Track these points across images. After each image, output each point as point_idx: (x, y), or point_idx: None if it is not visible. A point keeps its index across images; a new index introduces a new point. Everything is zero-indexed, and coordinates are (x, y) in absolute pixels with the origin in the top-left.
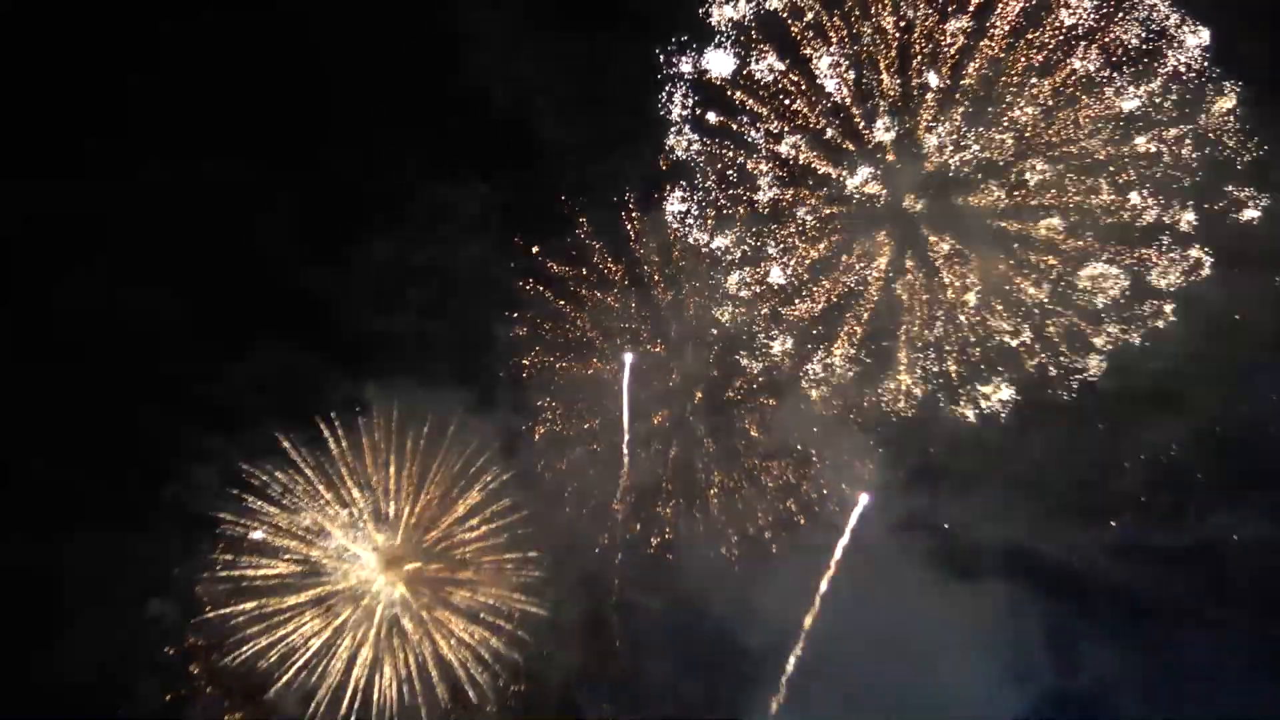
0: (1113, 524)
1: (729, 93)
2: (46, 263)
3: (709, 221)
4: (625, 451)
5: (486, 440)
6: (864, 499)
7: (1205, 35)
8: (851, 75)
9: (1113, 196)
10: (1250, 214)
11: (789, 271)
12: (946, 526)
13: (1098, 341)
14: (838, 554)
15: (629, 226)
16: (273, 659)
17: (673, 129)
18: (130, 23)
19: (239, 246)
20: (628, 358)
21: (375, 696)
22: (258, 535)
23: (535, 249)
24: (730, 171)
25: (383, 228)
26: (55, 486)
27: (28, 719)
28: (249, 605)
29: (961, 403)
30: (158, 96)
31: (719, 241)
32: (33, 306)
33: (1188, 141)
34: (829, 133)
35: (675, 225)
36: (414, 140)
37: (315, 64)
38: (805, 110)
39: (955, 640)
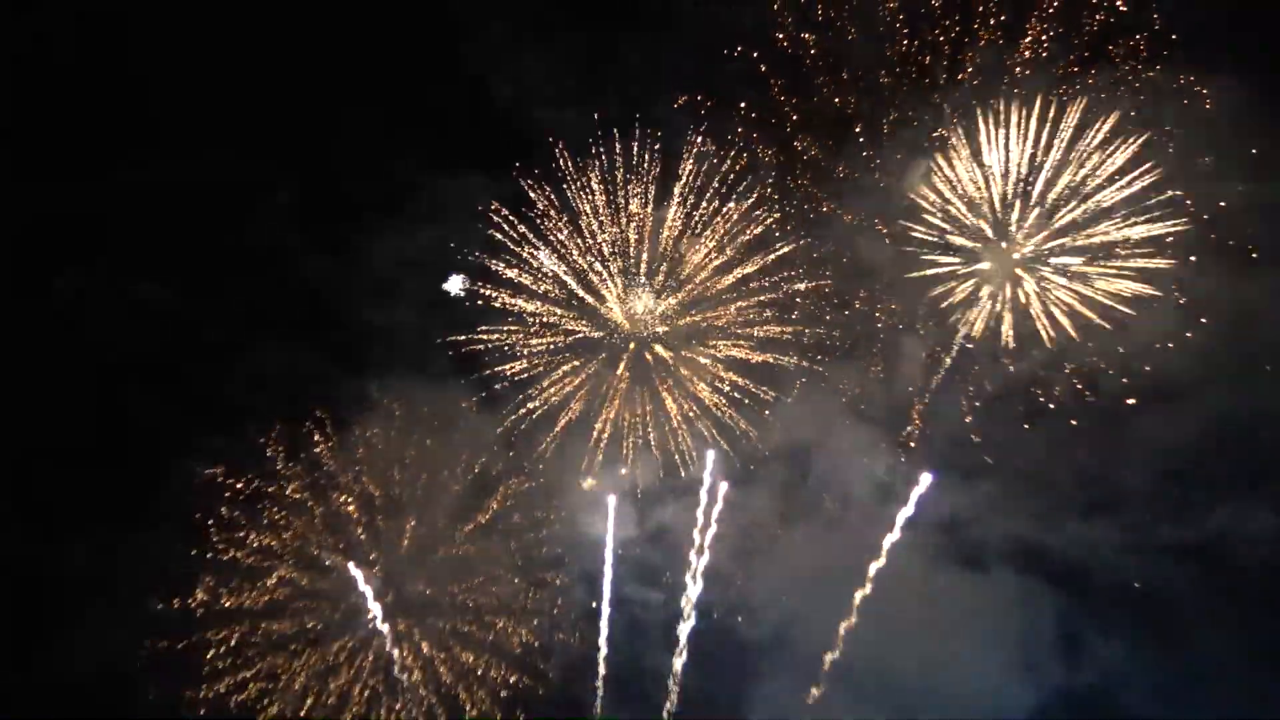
0: (1119, 519)
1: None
2: (48, 259)
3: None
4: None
5: (489, 442)
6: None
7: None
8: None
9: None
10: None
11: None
12: (952, 521)
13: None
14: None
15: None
16: (261, 688)
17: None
18: (131, 21)
19: (240, 243)
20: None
21: None
22: (246, 554)
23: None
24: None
25: (384, 222)
26: (54, 484)
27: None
28: (240, 630)
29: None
30: (158, 92)
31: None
32: (34, 303)
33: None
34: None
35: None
36: (414, 137)
37: (316, 61)
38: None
39: (962, 635)
